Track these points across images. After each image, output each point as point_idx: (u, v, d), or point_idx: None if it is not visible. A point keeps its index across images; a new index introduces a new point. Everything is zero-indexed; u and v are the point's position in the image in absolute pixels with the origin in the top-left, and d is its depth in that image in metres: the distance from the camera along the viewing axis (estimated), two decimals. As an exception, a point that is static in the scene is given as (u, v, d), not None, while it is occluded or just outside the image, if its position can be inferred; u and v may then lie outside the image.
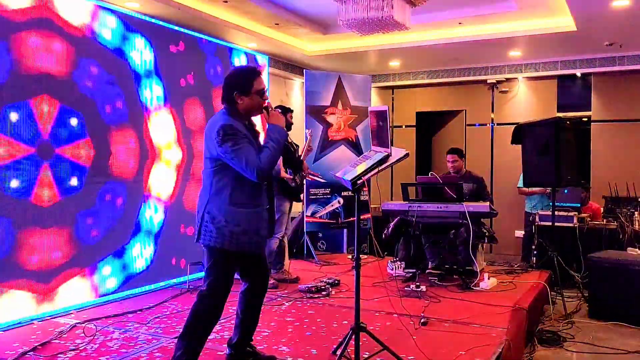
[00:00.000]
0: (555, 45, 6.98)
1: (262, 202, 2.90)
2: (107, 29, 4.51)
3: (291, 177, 5.05)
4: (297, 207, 5.69)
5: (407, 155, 3.12)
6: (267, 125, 2.90)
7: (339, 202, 6.78)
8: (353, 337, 3.04)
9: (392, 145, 3.14)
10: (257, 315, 3.15)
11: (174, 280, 5.09)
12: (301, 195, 5.26)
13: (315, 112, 6.76)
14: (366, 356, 3.12)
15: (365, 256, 6.54)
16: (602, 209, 6.65)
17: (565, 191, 6.33)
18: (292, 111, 5.30)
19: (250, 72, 2.92)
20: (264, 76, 6.40)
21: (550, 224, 5.39)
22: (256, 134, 2.95)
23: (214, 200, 2.83)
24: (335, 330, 3.73)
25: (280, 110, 3.10)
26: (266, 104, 2.92)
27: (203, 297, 2.87)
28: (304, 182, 5.59)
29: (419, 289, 4.55)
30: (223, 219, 2.80)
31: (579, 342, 4.16)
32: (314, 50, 7.68)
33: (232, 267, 2.93)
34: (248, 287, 3.09)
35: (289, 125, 5.25)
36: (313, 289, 4.71)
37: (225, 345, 3.18)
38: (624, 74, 7.57)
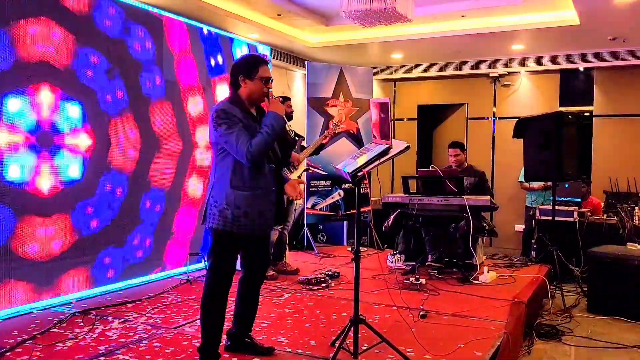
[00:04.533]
0: (558, 39, 6.95)
1: (263, 185, 2.92)
2: (108, 18, 4.48)
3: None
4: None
5: (408, 147, 3.12)
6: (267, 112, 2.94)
7: (339, 194, 6.77)
8: (352, 329, 3.05)
9: (393, 137, 3.13)
10: (255, 303, 3.16)
11: (174, 271, 5.11)
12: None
13: (316, 104, 6.75)
14: (365, 348, 3.13)
15: (365, 249, 6.55)
16: (602, 203, 6.65)
17: (566, 185, 6.32)
18: (288, 99, 5.26)
19: (258, 59, 3.02)
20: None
21: (550, 218, 5.39)
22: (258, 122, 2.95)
23: (217, 184, 2.90)
24: (335, 322, 3.73)
25: (281, 99, 3.12)
26: (269, 92, 2.96)
27: (206, 285, 2.93)
28: (304, 174, 5.55)
29: (419, 282, 4.55)
30: (224, 202, 2.85)
31: (578, 336, 4.18)
32: (316, 42, 7.65)
33: (233, 249, 2.96)
34: (246, 273, 3.11)
35: (288, 115, 5.24)
36: (312, 280, 4.72)
37: (225, 336, 3.18)
38: (627, 68, 7.54)
